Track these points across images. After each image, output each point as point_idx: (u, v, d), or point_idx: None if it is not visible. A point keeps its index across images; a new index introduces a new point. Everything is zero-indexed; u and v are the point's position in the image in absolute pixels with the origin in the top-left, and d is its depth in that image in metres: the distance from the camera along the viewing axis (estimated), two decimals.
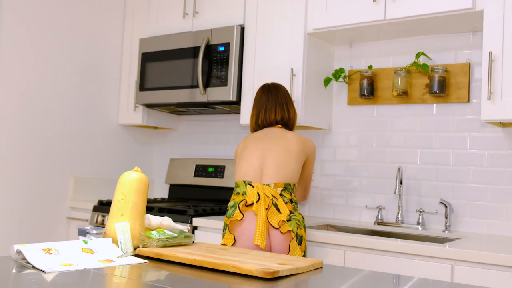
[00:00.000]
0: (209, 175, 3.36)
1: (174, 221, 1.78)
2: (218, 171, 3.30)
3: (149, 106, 3.42)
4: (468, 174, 2.61)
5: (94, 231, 1.58)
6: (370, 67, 2.87)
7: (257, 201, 2.14)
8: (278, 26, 2.86)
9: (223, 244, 2.16)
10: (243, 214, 2.16)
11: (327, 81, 2.93)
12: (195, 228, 2.71)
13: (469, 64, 2.63)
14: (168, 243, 1.55)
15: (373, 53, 2.93)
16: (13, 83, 3.02)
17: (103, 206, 3.05)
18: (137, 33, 3.53)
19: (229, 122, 3.48)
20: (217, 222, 2.59)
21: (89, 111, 3.44)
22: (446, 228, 2.56)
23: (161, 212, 2.83)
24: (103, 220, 2.99)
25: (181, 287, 1.23)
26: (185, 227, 1.72)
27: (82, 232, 1.60)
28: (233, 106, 3.09)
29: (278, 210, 2.14)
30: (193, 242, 1.66)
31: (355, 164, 2.95)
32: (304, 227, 2.20)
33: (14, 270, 1.26)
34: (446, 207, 2.58)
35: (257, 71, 2.92)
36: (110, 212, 1.60)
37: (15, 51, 3.03)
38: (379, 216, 2.79)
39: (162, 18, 3.39)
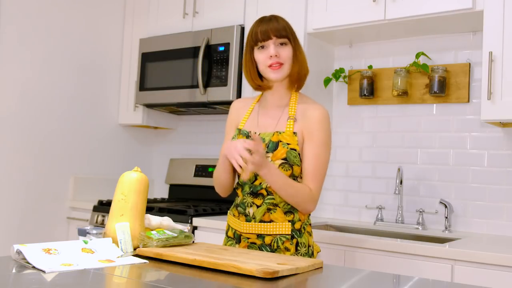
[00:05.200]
0: (209, 175, 3.36)
1: (174, 221, 1.78)
2: None
3: (149, 106, 3.42)
4: (468, 174, 2.61)
5: (94, 231, 1.58)
6: (370, 67, 2.87)
7: None
8: None
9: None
10: None
11: (327, 81, 2.93)
12: (195, 228, 2.71)
13: (469, 64, 2.63)
14: (168, 243, 1.55)
15: (373, 53, 2.93)
16: (13, 83, 3.02)
17: (103, 206, 3.05)
18: (137, 33, 3.53)
19: None
20: (217, 222, 2.59)
21: (89, 111, 3.44)
22: (446, 228, 2.56)
23: (161, 212, 2.83)
24: (103, 220, 2.99)
25: (181, 287, 1.23)
26: (185, 227, 1.71)
27: (82, 232, 1.60)
28: None
29: None
30: (193, 242, 1.66)
31: (355, 164, 2.95)
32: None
33: (14, 270, 1.26)
34: (446, 207, 2.58)
35: None
36: (110, 212, 1.60)
37: (14, 51, 3.02)
38: (379, 216, 2.79)
39: (162, 18, 3.39)
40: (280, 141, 1.74)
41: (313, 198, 1.76)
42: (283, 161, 1.73)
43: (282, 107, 1.83)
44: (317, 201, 1.79)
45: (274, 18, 1.81)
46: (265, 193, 1.77)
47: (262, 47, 1.78)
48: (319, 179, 1.77)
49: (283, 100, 1.84)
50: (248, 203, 1.80)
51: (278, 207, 1.76)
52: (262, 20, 1.80)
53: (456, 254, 1.97)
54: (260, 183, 1.76)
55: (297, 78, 1.82)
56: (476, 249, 1.96)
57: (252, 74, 1.82)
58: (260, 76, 1.84)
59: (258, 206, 1.77)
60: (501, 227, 2.50)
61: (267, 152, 1.75)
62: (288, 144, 1.74)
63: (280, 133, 1.76)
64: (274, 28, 1.76)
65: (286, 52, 1.78)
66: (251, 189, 1.79)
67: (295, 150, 1.74)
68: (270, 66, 1.77)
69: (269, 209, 1.77)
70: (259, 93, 1.94)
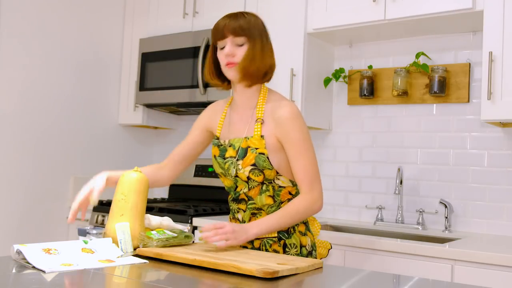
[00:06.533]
0: (209, 175, 3.36)
1: (174, 221, 1.78)
2: None
3: (149, 106, 3.42)
4: (468, 174, 2.61)
5: (94, 231, 1.58)
6: (370, 67, 2.87)
7: None
8: (278, 26, 2.85)
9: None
10: None
11: (327, 81, 2.93)
12: (195, 228, 2.71)
13: (469, 64, 2.63)
14: (168, 243, 1.55)
15: (373, 53, 2.93)
16: (13, 83, 3.02)
17: (103, 206, 3.04)
18: (137, 33, 3.52)
19: None
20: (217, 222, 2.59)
21: (89, 111, 3.43)
22: (446, 228, 2.56)
23: (161, 212, 2.83)
24: (103, 220, 2.99)
25: (181, 287, 1.23)
26: (185, 227, 1.71)
27: (82, 232, 1.60)
28: None
29: None
30: (193, 242, 1.66)
31: (355, 164, 2.95)
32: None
33: (14, 270, 1.26)
34: (446, 207, 2.58)
35: None
36: (110, 212, 1.60)
37: (14, 52, 3.02)
38: (379, 216, 2.79)
39: (162, 18, 3.39)
40: (249, 147, 1.70)
41: (313, 201, 1.71)
42: (252, 167, 1.69)
43: (251, 109, 1.77)
44: (321, 198, 1.74)
45: (234, 16, 1.72)
46: (246, 198, 1.75)
47: (223, 46, 1.73)
48: (314, 180, 1.72)
49: (251, 101, 1.77)
50: (234, 209, 1.80)
51: (262, 211, 1.74)
52: (224, 17, 1.74)
53: (456, 254, 1.97)
54: (241, 189, 1.74)
55: (255, 76, 1.72)
56: (476, 249, 1.96)
57: (209, 71, 1.79)
58: (220, 74, 1.80)
59: (244, 211, 1.76)
60: (501, 227, 2.50)
61: (237, 159, 1.71)
62: (256, 148, 1.69)
63: (248, 138, 1.71)
64: (230, 26, 1.69)
65: (242, 52, 1.70)
66: (234, 195, 1.78)
67: (263, 154, 1.68)
68: (226, 65, 1.72)
69: (254, 214, 1.75)
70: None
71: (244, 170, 1.69)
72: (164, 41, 3.29)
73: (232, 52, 1.69)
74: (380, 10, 2.53)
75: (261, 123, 1.72)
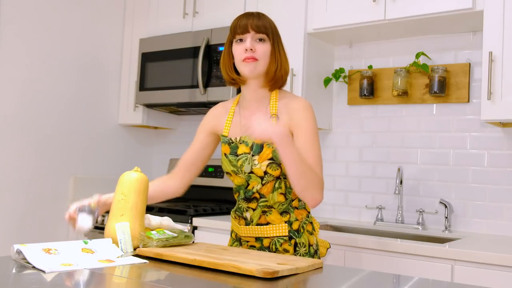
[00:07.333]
0: (209, 175, 3.36)
1: (174, 221, 1.78)
2: (218, 171, 3.30)
3: (149, 106, 3.42)
4: (468, 174, 2.61)
5: (87, 208, 1.63)
6: (370, 67, 2.87)
7: None
8: (278, 26, 2.84)
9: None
10: None
11: (327, 81, 2.93)
12: (195, 228, 2.71)
13: (469, 64, 2.63)
14: (168, 243, 1.55)
15: (373, 53, 2.93)
16: (13, 83, 3.02)
17: None
18: (137, 33, 3.53)
19: None
20: (217, 222, 2.59)
21: (89, 111, 3.43)
22: (446, 228, 2.56)
23: (161, 212, 2.83)
24: (103, 220, 2.99)
25: (181, 287, 1.23)
26: (185, 227, 1.71)
27: (82, 209, 1.65)
28: None
29: None
30: (193, 242, 1.66)
31: (355, 164, 2.95)
32: None
33: (14, 270, 1.26)
34: (446, 207, 2.58)
35: None
36: (110, 212, 1.60)
37: (14, 52, 3.02)
38: (379, 216, 2.79)
39: (162, 18, 3.39)
40: (265, 142, 1.69)
41: (321, 185, 1.65)
42: (270, 161, 1.69)
43: (264, 106, 1.78)
44: (323, 192, 1.66)
45: (257, 14, 1.75)
46: (258, 196, 1.74)
47: (241, 40, 1.73)
48: (321, 167, 1.70)
49: (264, 99, 1.78)
50: (243, 208, 1.78)
51: (273, 209, 1.74)
52: (245, 15, 1.75)
53: (456, 254, 1.97)
54: (253, 187, 1.74)
55: (273, 77, 1.74)
56: (476, 249, 1.96)
57: (227, 67, 1.78)
58: (237, 71, 1.79)
59: (253, 210, 1.75)
60: (501, 227, 2.50)
61: (252, 155, 1.71)
62: (272, 143, 1.67)
63: None
64: (254, 23, 1.71)
65: (263, 48, 1.72)
66: (245, 194, 1.76)
67: None
68: (244, 60, 1.71)
69: (264, 212, 1.74)
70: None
71: (261, 165, 1.69)
72: (164, 41, 3.29)
73: (253, 46, 1.70)
74: (380, 10, 2.53)
75: (276, 118, 1.72)
